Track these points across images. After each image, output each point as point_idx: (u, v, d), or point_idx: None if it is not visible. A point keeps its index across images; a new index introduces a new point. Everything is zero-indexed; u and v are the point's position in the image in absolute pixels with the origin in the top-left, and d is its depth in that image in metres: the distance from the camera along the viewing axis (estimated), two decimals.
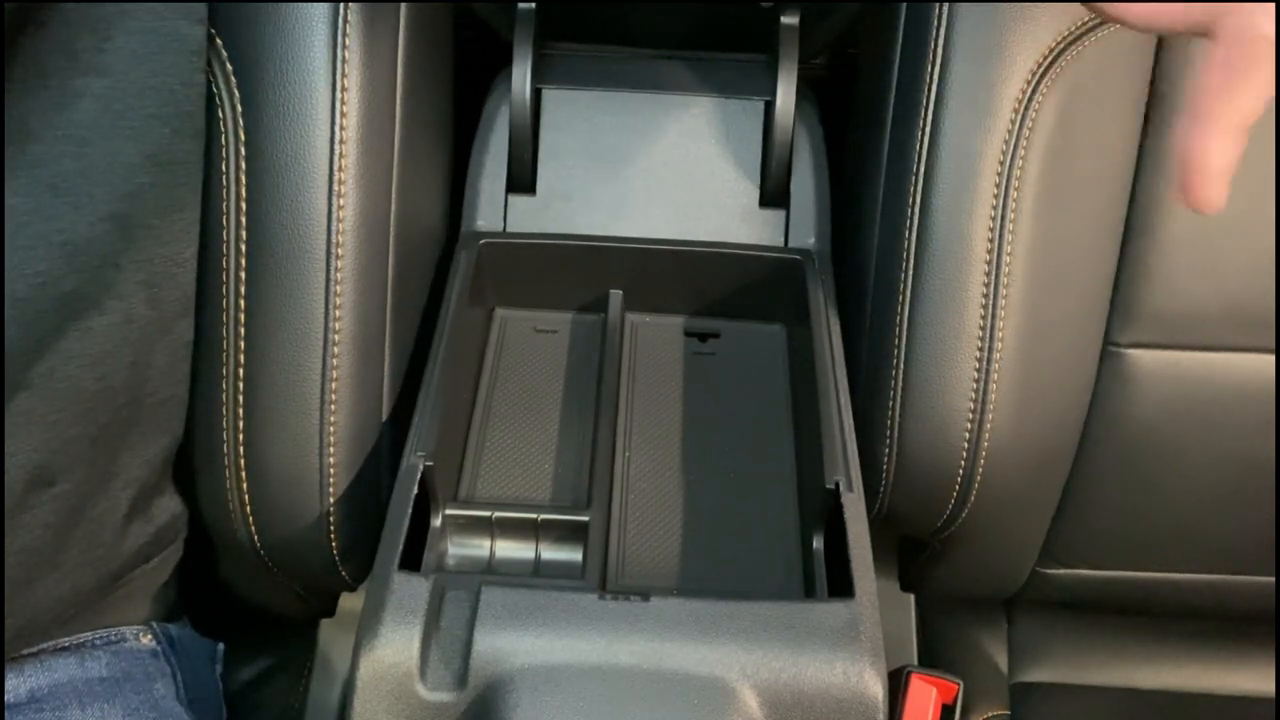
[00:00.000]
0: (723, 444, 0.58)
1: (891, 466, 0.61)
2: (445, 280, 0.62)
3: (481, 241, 0.63)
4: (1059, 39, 0.54)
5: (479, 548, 0.52)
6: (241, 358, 0.53)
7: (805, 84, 0.67)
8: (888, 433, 0.60)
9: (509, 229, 0.66)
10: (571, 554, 0.52)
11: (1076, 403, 0.62)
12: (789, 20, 0.66)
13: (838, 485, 0.50)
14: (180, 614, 0.63)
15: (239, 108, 0.51)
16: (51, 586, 0.52)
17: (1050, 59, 0.54)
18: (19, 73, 0.45)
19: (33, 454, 0.48)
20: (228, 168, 0.52)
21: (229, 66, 0.51)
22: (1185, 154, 0.38)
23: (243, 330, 0.53)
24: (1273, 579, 0.70)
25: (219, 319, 0.53)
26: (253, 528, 0.56)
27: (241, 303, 0.53)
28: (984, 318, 0.57)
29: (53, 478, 0.49)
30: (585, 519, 0.51)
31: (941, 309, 0.57)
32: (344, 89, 0.52)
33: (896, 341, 0.58)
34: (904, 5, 0.58)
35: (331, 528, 0.56)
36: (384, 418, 0.57)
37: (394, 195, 0.56)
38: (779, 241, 0.66)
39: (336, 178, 0.52)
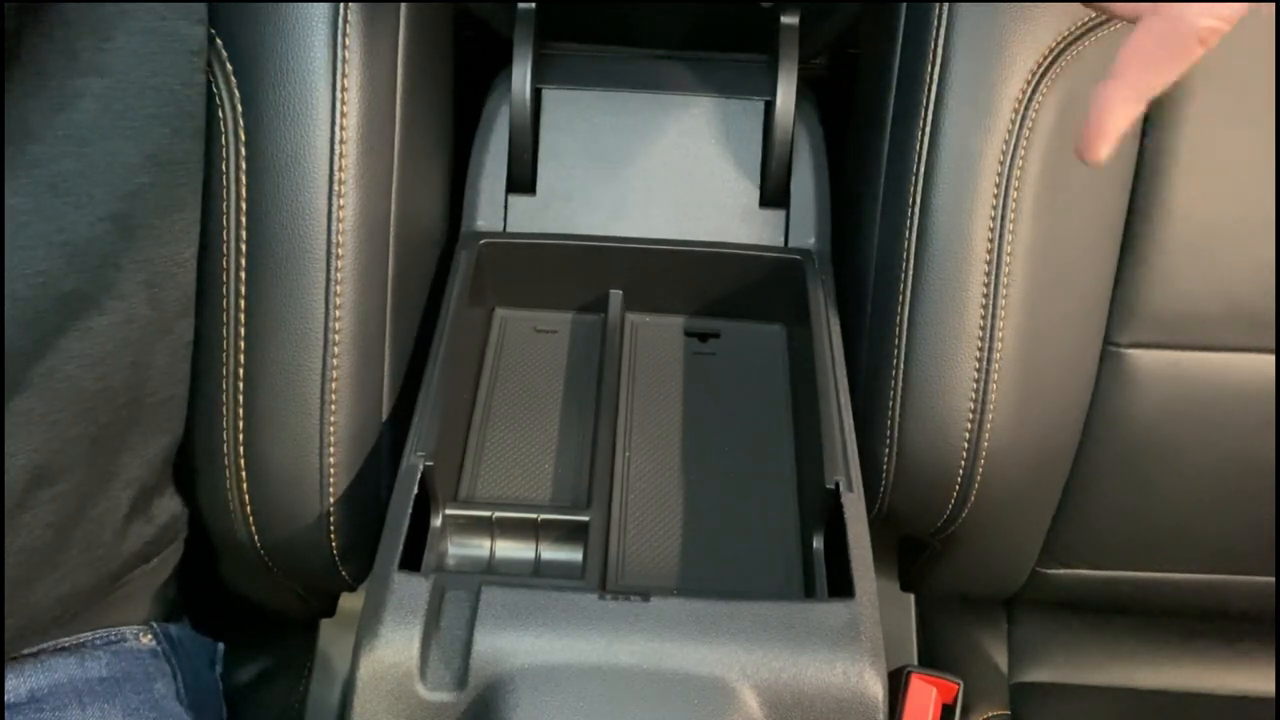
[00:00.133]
0: (723, 444, 0.58)
1: (891, 466, 0.61)
2: (445, 280, 0.62)
3: (481, 241, 0.63)
4: (1059, 39, 0.54)
5: (479, 548, 0.52)
6: (241, 358, 0.53)
7: (805, 84, 0.67)
8: (888, 433, 0.60)
9: (509, 229, 0.66)
10: (571, 554, 0.52)
11: (1076, 403, 0.62)
12: (789, 20, 0.66)
13: (838, 485, 0.50)
14: (180, 614, 0.63)
15: (239, 108, 0.51)
16: (51, 586, 0.52)
17: (1050, 59, 0.54)
18: (19, 73, 0.45)
19: (33, 454, 0.48)
20: (228, 168, 0.52)
21: (229, 66, 0.51)
22: (1092, 106, 0.41)
23: (243, 330, 0.53)
24: (1272, 579, 0.70)
25: (219, 319, 0.53)
26: (253, 528, 0.56)
27: (241, 303, 0.53)
28: (984, 318, 0.57)
29: (53, 478, 0.49)
30: (585, 519, 0.51)
31: (941, 309, 0.57)
32: (344, 89, 0.52)
33: (896, 341, 0.58)
34: (904, 5, 0.58)
35: (331, 528, 0.56)
36: (384, 418, 0.57)
37: (394, 195, 0.56)
38: (779, 241, 0.66)
39: (336, 178, 0.52)
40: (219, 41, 0.52)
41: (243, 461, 0.55)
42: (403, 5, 0.56)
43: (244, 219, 0.52)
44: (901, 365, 0.58)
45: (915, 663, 0.77)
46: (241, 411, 0.54)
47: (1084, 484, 0.66)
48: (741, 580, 0.52)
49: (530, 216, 0.66)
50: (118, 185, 0.48)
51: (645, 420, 0.59)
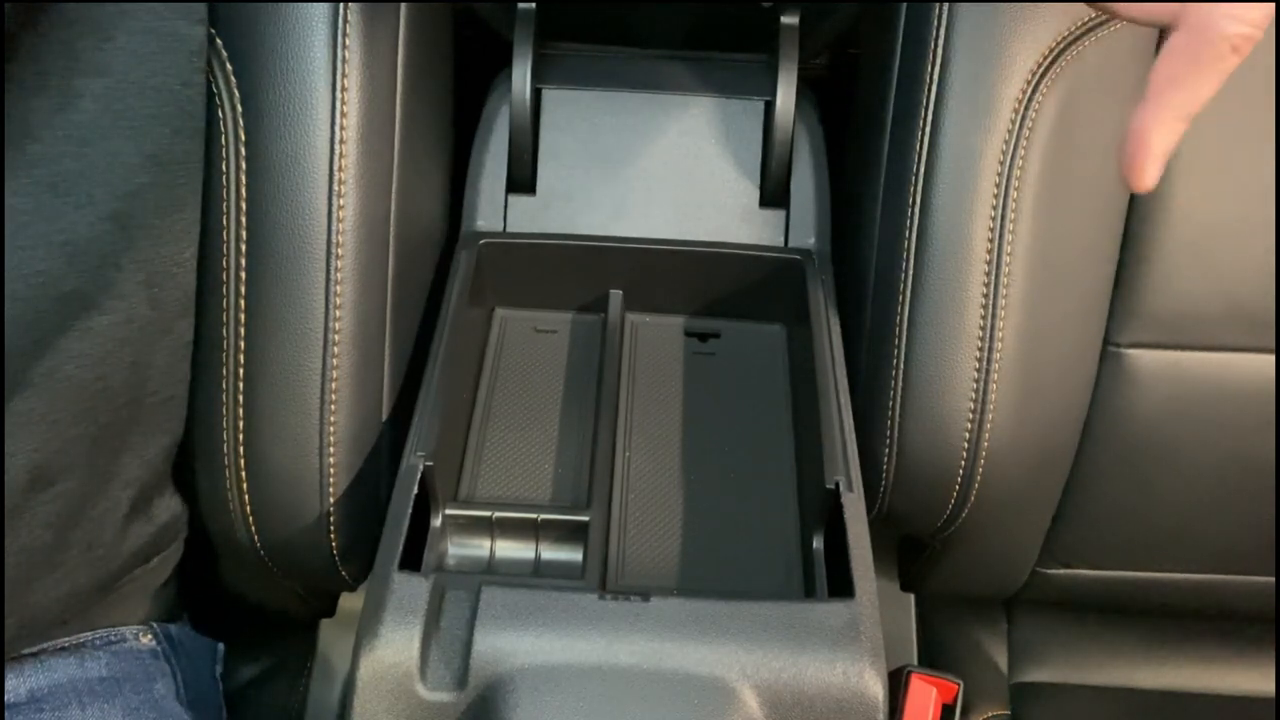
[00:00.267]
0: (723, 444, 0.58)
1: (891, 466, 0.61)
2: (445, 280, 0.62)
3: (481, 241, 0.63)
4: (1059, 39, 0.54)
5: (479, 548, 0.52)
6: (241, 358, 0.53)
7: (805, 84, 0.67)
8: (888, 433, 0.60)
9: (509, 229, 0.66)
10: (571, 554, 0.52)
11: (1076, 403, 0.62)
12: (789, 20, 0.66)
13: (838, 485, 0.50)
14: (180, 614, 0.63)
15: (239, 108, 0.51)
16: (51, 586, 0.52)
17: (1050, 59, 0.54)
18: (19, 73, 0.45)
19: (33, 454, 0.48)
20: (228, 168, 0.52)
21: (229, 66, 0.51)
22: (1132, 132, 0.40)
23: (243, 330, 0.53)
24: (1273, 579, 0.70)
25: (219, 319, 0.53)
26: (253, 528, 0.56)
27: (241, 303, 0.53)
28: (984, 318, 0.57)
29: (53, 477, 0.49)
30: (585, 519, 0.51)
31: (941, 309, 0.57)
32: (344, 89, 0.52)
33: (896, 341, 0.58)
34: (904, 5, 0.58)
35: (331, 528, 0.56)
36: (384, 418, 0.57)
37: (394, 195, 0.56)
38: (779, 241, 0.66)
39: (336, 178, 0.52)
40: (219, 41, 0.52)
41: (243, 461, 0.55)
42: (403, 5, 0.56)
43: (244, 219, 0.52)
44: (901, 365, 0.58)
45: (915, 663, 0.77)
46: (241, 411, 0.54)
47: (1084, 484, 0.66)
48: (741, 580, 0.52)
49: (530, 216, 0.66)
50: (118, 185, 0.48)
51: (645, 420, 0.59)
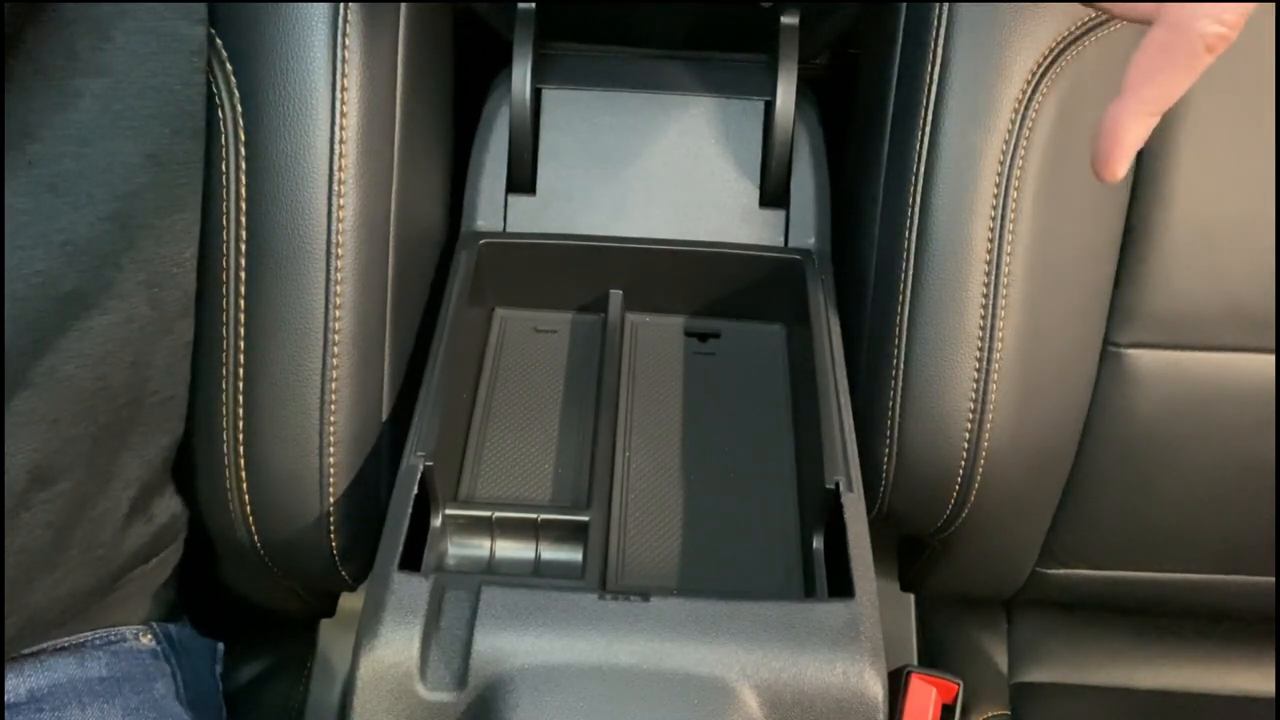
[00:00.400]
0: (723, 444, 0.58)
1: (891, 466, 0.61)
2: (445, 280, 0.62)
3: (481, 241, 0.63)
4: (1059, 39, 0.54)
5: (479, 548, 0.52)
6: (241, 358, 0.53)
7: (805, 84, 0.67)
8: (888, 433, 0.60)
9: (509, 229, 0.66)
10: (571, 554, 0.52)
11: (1076, 403, 0.62)
12: (789, 20, 0.66)
13: (838, 485, 0.50)
14: (180, 614, 0.63)
15: (239, 108, 0.51)
16: (51, 586, 0.52)
17: (1050, 59, 0.54)
18: (19, 72, 0.45)
19: (33, 453, 0.48)
20: (228, 168, 0.52)
21: (229, 66, 0.51)
22: (1104, 124, 0.41)
23: (243, 330, 0.53)
24: (1273, 579, 0.70)
25: (219, 319, 0.53)
26: (253, 528, 0.56)
27: (241, 303, 0.53)
28: (984, 318, 0.57)
29: (53, 477, 0.49)
30: (585, 519, 0.51)
31: (941, 309, 0.57)
32: (344, 89, 0.52)
33: (896, 341, 0.58)
34: (904, 5, 0.58)
35: (331, 528, 0.56)
36: (384, 418, 0.57)
37: (394, 195, 0.56)
38: (779, 241, 0.66)
39: (336, 178, 0.52)
40: (219, 41, 0.52)
41: (243, 461, 0.55)
42: (403, 5, 0.56)
43: (244, 219, 0.52)
44: (901, 365, 0.58)
45: (915, 663, 0.77)
46: (241, 411, 0.54)
47: (1084, 484, 0.66)
48: (741, 580, 0.52)
49: (530, 216, 0.66)
50: (118, 185, 0.48)
51: (645, 420, 0.59)
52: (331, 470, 0.54)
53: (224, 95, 0.52)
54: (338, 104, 0.52)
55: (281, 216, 0.52)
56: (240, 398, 0.54)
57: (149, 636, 0.59)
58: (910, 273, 0.57)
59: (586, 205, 0.66)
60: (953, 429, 0.59)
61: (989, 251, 0.56)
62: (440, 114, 0.66)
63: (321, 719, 0.79)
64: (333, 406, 0.54)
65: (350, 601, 0.72)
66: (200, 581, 0.64)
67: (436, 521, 0.51)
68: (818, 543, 0.52)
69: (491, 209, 0.66)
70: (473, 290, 0.61)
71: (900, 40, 0.59)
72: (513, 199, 0.66)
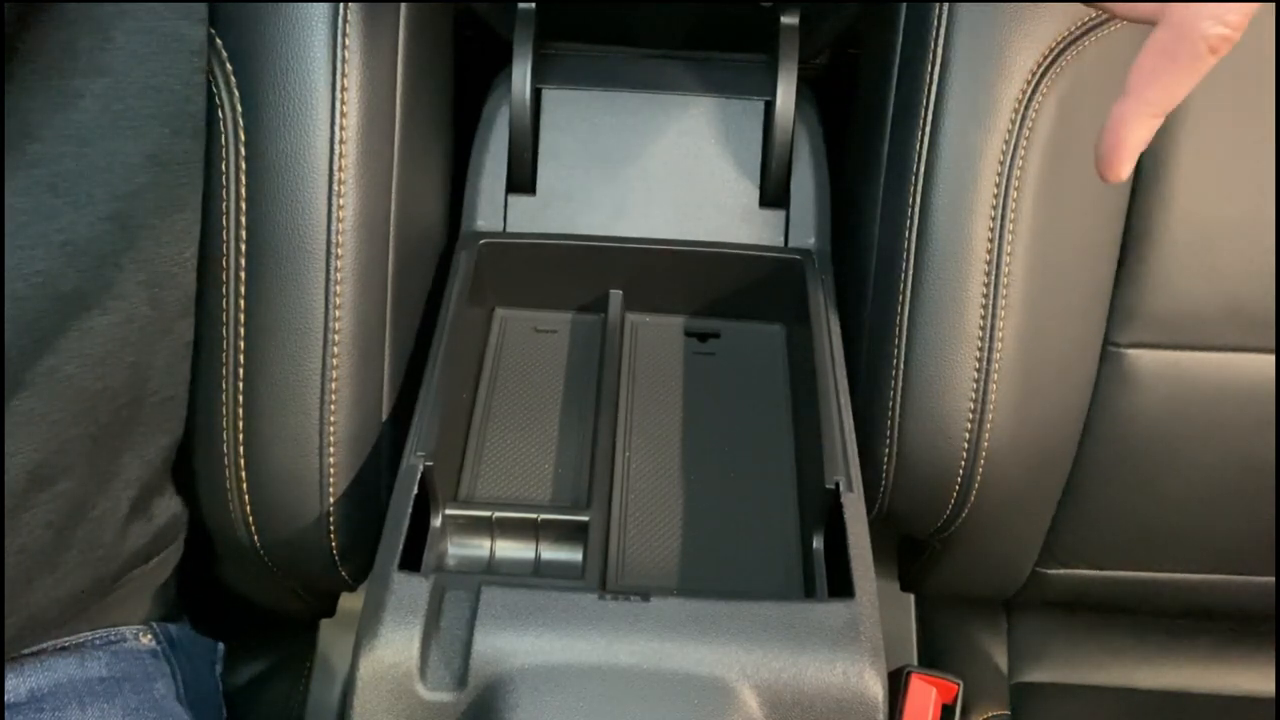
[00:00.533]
0: (723, 444, 0.58)
1: (891, 466, 0.61)
2: (445, 280, 0.62)
3: (481, 241, 0.63)
4: (1059, 39, 0.54)
5: (479, 548, 0.52)
6: (241, 358, 0.53)
7: (805, 84, 0.67)
8: (888, 433, 0.60)
9: (509, 229, 0.66)
10: (571, 554, 0.52)
11: (1076, 403, 0.62)
12: (789, 20, 0.66)
13: (838, 485, 0.50)
14: (180, 614, 0.63)
15: (239, 108, 0.51)
16: (51, 586, 0.52)
17: (1050, 59, 0.54)
18: (19, 72, 0.45)
19: (33, 454, 0.48)
20: (228, 168, 0.52)
21: (229, 66, 0.51)
22: (1109, 125, 0.41)
23: (243, 330, 0.53)
24: (1273, 579, 0.70)
25: (219, 319, 0.53)
26: (253, 528, 0.56)
27: (241, 303, 0.53)
28: (984, 318, 0.57)
29: (53, 477, 0.49)
30: (585, 519, 0.51)
31: (941, 309, 0.57)
32: (344, 89, 0.52)
33: (896, 341, 0.58)
34: (904, 5, 0.58)
35: (331, 528, 0.56)
36: (384, 418, 0.57)
37: (394, 195, 0.56)
38: (779, 241, 0.66)
39: (336, 178, 0.52)
40: (219, 41, 0.52)
41: (243, 461, 0.55)
42: (403, 5, 0.56)
43: (244, 219, 0.52)
44: (901, 365, 0.58)
45: (915, 663, 0.77)
46: (241, 411, 0.54)
47: (1084, 484, 0.66)
48: (741, 580, 0.52)
49: (530, 216, 0.66)
50: (118, 185, 0.48)
51: (645, 420, 0.59)
52: (331, 470, 0.54)
53: (224, 95, 0.52)
54: (338, 104, 0.52)
55: (281, 216, 0.52)
56: (240, 398, 0.54)
57: (149, 636, 0.59)
58: (910, 273, 0.57)
59: (586, 205, 0.66)
60: (953, 429, 0.59)
61: (989, 251, 0.56)
62: (440, 114, 0.66)
63: (321, 719, 0.79)
64: (333, 406, 0.54)
65: (350, 601, 0.72)
66: (200, 581, 0.64)
67: (436, 521, 0.51)
68: (818, 543, 0.52)
69: (491, 209, 0.66)
70: (473, 290, 0.61)
71: (900, 40, 0.59)
72: (513, 199, 0.66)
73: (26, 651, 0.54)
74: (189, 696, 0.59)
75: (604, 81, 0.67)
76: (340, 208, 0.52)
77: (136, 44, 0.48)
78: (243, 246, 0.52)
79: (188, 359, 0.54)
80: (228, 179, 0.52)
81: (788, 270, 0.64)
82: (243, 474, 0.55)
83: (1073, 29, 0.55)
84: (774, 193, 0.66)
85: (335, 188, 0.52)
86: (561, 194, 0.66)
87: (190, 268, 0.52)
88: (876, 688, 0.43)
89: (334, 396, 0.54)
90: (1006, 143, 0.55)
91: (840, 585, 0.47)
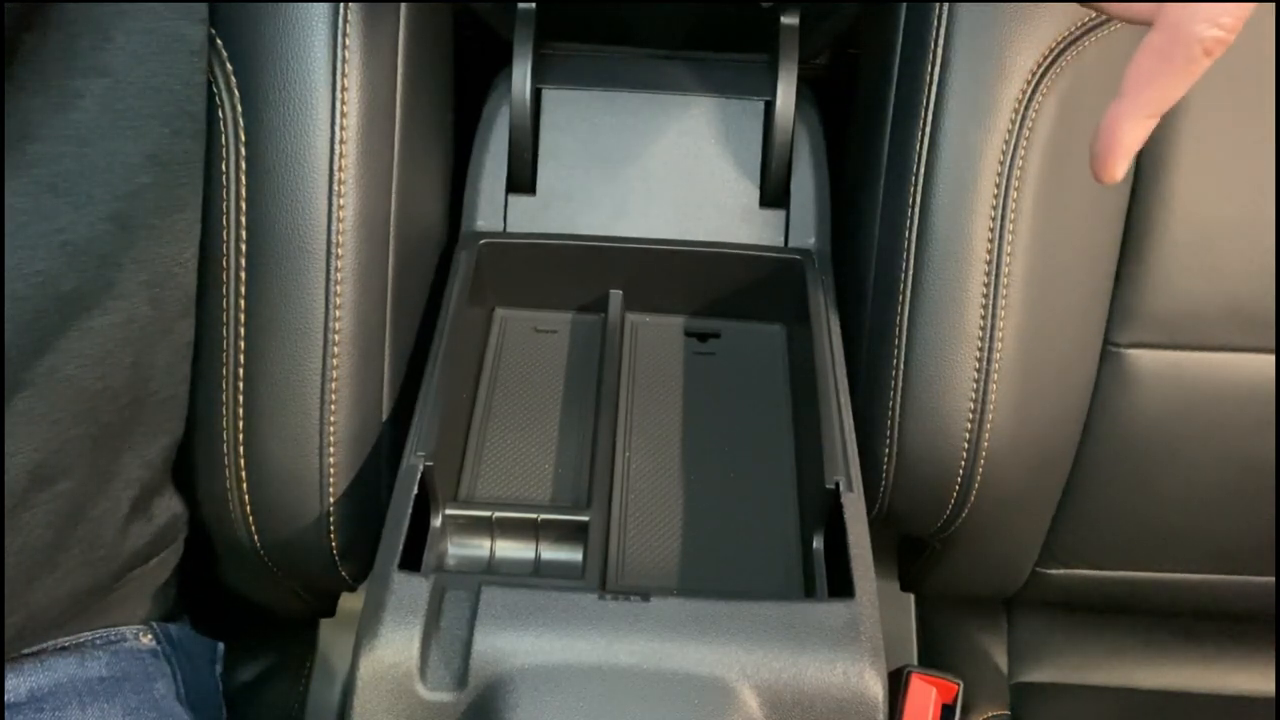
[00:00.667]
0: (723, 444, 0.58)
1: (891, 466, 0.61)
2: (445, 280, 0.62)
3: (481, 241, 0.63)
4: (1059, 39, 0.54)
5: (479, 548, 0.52)
6: (241, 357, 0.53)
7: (805, 84, 0.67)
8: (888, 433, 0.60)
9: (509, 229, 0.66)
10: (571, 554, 0.52)
11: (1076, 403, 0.62)
12: (789, 20, 0.66)
13: (838, 485, 0.50)
14: (180, 614, 0.63)
15: (239, 108, 0.51)
16: (51, 586, 0.52)
17: (1050, 59, 0.54)
18: (19, 73, 0.45)
19: (33, 453, 0.48)
20: (228, 168, 0.52)
21: (229, 66, 0.51)
22: (1104, 126, 0.41)
23: (243, 330, 0.53)
24: (1273, 579, 0.70)
25: (219, 319, 0.53)
26: (253, 528, 0.56)
27: (241, 302, 0.53)
28: (984, 318, 0.57)
29: (53, 477, 0.49)
30: (585, 519, 0.51)
31: (941, 309, 0.57)
32: (344, 89, 0.52)
33: (896, 341, 0.58)
34: (904, 5, 0.58)
35: (331, 528, 0.56)
36: (384, 418, 0.57)
37: (394, 195, 0.56)
38: (779, 241, 0.66)
39: (336, 178, 0.52)
40: (219, 41, 0.52)
41: (243, 461, 0.55)
42: (403, 5, 0.56)
43: (244, 219, 0.52)
44: (901, 365, 0.58)
45: (915, 663, 0.77)
46: (241, 411, 0.54)
47: (1084, 484, 0.66)
48: (741, 580, 0.52)
49: (530, 216, 0.66)
50: (118, 185, 0.48)
51: (645, 420, 0.59)
52: (331, 470, 0.54)
53: (224, 95, 0.52)
54: (338, 104, 0.52)
55: (281, 216, 0.52)
56: (240, 398, 0.54)
57: (149, 636, 0.59)
58: (910, 273, 0.57)
59: (586, 205, 0.66)
60: (953, 429, 0.59)
61: (989, 251, 0.56)
62: (440, 114, 0.66)
63: (321, 719, 0.79)
64: (333, 406, 0.54)
65: (350, 601, 0.72)
66: (200, 581, 0.64)
67: (436, 521, 0.51)
68: (818, 543, 0.52)
69: (491, 209, 0.66)
70: (473, 290, 0.61)
71: (900, 40, 0.59)
72: (513, 199, 0.66)
73: (26, 651, 0.54)
74: (189, 696, 0.59)
75: (604, 81, 0.67)
76: (340, 208, 0.52)
77: (136, 44, 0.48)
78: (243, 246, 0.52)
79: (188, 359, 0.54)
80: (228, 179, 0.52)
81: (788, 270, 0.64)
82: (243, 474, 0.55)
83: (1073, 29, 0.55)
84: (774, 193, 0.66)
85: (335, 188, 0.52)
86: (561, 194, 0.66)
87: (190, 268, 0.52)
88: (876, 688, 0.43)
89: (334, 396, 0.54)
90: (1006, 143, 0.55)
91: (840, 585, 0.47)
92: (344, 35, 0.51)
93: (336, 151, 0.52)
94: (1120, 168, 0.41)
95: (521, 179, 0.66)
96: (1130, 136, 0.41)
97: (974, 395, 0.58)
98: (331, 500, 0.55)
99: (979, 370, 0.57)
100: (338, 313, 0.53)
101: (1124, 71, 0.41)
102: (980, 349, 0.57)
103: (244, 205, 0.52)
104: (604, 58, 0.69)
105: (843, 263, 0.65)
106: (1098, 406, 0.62)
